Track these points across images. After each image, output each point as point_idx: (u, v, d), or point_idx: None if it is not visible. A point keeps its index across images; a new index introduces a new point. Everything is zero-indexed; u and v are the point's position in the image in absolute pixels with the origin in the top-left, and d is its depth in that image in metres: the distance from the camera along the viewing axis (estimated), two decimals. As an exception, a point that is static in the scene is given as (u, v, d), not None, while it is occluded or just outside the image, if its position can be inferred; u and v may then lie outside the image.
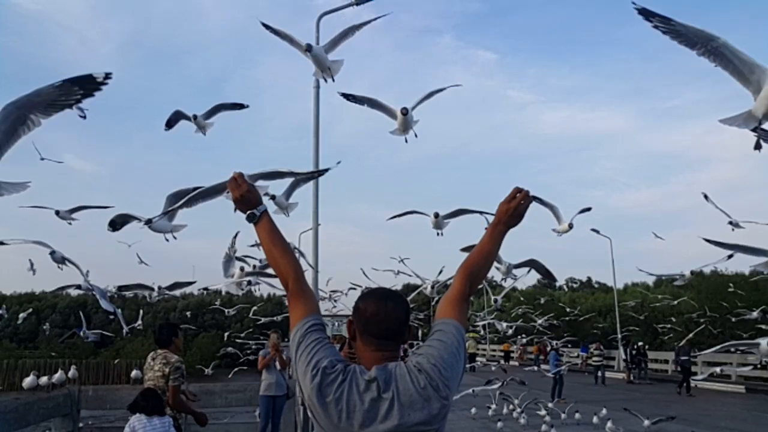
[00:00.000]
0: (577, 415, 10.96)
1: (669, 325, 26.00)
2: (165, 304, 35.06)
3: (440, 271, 12.53)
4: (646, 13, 3.70)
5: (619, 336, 27.00)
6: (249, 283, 8.86)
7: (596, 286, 48.57)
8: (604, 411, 10.34)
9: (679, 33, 3.72)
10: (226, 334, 25.36)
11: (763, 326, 21.99)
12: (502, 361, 32.23)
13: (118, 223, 5.63)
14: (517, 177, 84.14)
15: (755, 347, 6.82)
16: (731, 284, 23.56)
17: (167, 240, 6.11)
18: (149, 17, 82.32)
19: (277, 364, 7.87)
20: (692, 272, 8.07)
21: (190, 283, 11.08)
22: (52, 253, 6.80)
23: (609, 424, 9.66)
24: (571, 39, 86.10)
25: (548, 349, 23.14)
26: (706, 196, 8.52)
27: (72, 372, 18.45)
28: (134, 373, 20.54)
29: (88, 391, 7.97)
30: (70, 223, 6.57)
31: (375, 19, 5.73)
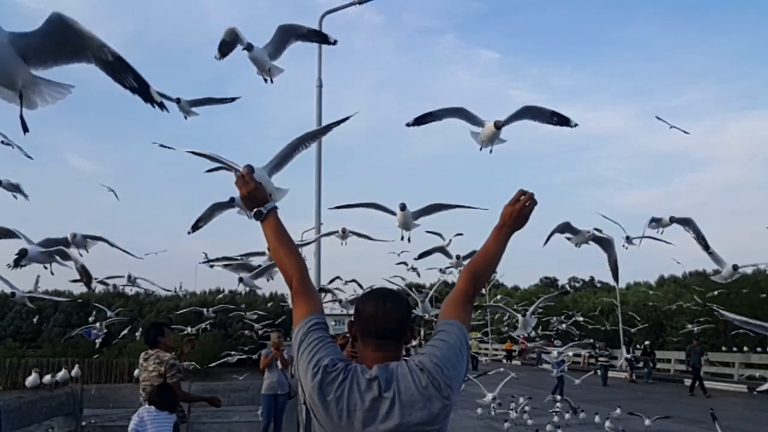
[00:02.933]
0: (582, 415, 10.94)
1: (672, 325, 25.96)
2: (167, 303, 35.13)
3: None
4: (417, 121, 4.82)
5: (621, 335, 26.96)
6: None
7: (599, 285, 48.53)
8: (618, 411, 10.32)
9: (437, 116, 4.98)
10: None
11: None
12: (505, 361, 32.29)
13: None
14: (519, 177, 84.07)
15: None
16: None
17: (52, 273, 5.99)
18: (150, 17, 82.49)
19: (279, 363, 7.89)
20: (734, 267, 7.86)
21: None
22: (74, 236, 6.27)
23: (608, 423, 9.64)
24: (572, 39, 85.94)
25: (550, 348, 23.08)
26: (605, 217, 8.68)
27: (75, 371, 18.47)
28: (137, 372, 20.56)
29: (90, 390, 7.99)
30: (15, 197, 6.17)
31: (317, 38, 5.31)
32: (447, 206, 6.11)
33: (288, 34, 5.08)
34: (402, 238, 6.65)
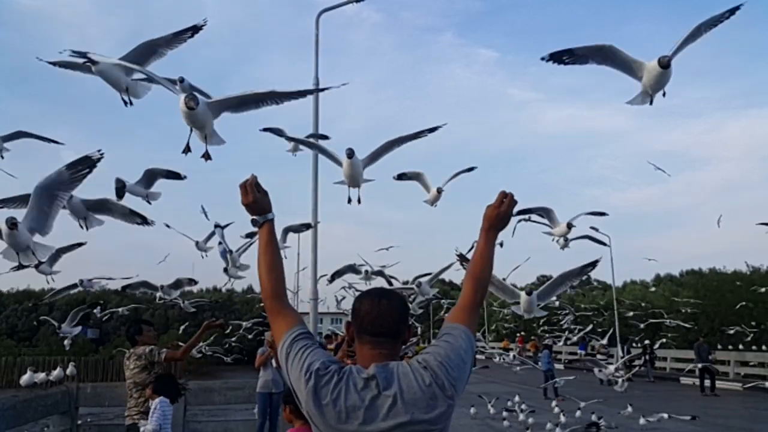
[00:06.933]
0: (577, 413, 10.95)
1: (668, 322, 26.01)
2: (164, 302, 35.02)
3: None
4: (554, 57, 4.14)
5: (618, 334, 27.03)
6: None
7: (595, 284, 48.63)
8: (629, 409, 10.33)
9: (579, 56, 4.18)
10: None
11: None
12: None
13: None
14: (519, 175, 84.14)
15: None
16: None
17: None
18: (149, 14, 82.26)
19: (274, 361, 7.88)
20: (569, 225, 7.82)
21: (193, 282, 10.65)
22: (69, 198, 5.80)
23: (602, 421, 9.65)
24: (571, 37, 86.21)
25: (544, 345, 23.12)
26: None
27: (70, 369, 18.44)
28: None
29: (86, 389, 7.96)
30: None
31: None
32: (402, 140, 5.00)
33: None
34: (349, 201, 5.33)
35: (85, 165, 4.21)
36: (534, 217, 7.68)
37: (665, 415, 9.92)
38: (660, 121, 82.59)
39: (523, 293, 6.66)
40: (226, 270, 8.28)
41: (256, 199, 1.84)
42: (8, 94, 74.78)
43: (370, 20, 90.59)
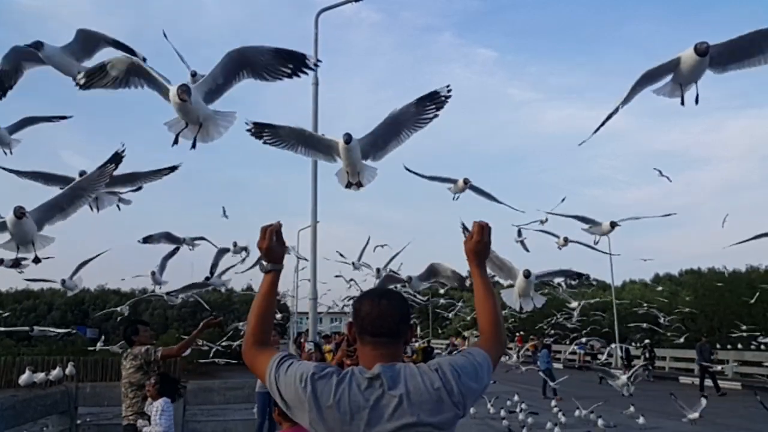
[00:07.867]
0: (576, 413, 10.96)
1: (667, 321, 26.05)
2: (162, 301, 34.97)
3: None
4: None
5: (617, 334, 27.06)
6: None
7: (594, 283, 48.64)
8: (632, 408, 10.32)
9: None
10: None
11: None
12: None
13: None
14: (519, 175, 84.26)
15: None
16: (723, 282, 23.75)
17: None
18: (149, 14, 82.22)
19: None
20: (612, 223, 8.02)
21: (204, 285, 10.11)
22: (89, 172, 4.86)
23: (600, 420, 9.66)
24: (571, 37, 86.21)
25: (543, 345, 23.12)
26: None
27: (69, 369, 18.41)
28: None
29: (85, 388, 7.96)
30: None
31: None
32: (406, 116, 4.26)
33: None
34: (349, 185, 4.71)
35: (112, 162, 4.25)
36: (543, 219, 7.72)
37: (697, 415, 9.96)
38: (660, 121, 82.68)
39: (520, 274, 6.00)
40: (210, 275, 8.43)
41: (271, 246, 1.82)
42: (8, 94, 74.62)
43: (369, 20, 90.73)
